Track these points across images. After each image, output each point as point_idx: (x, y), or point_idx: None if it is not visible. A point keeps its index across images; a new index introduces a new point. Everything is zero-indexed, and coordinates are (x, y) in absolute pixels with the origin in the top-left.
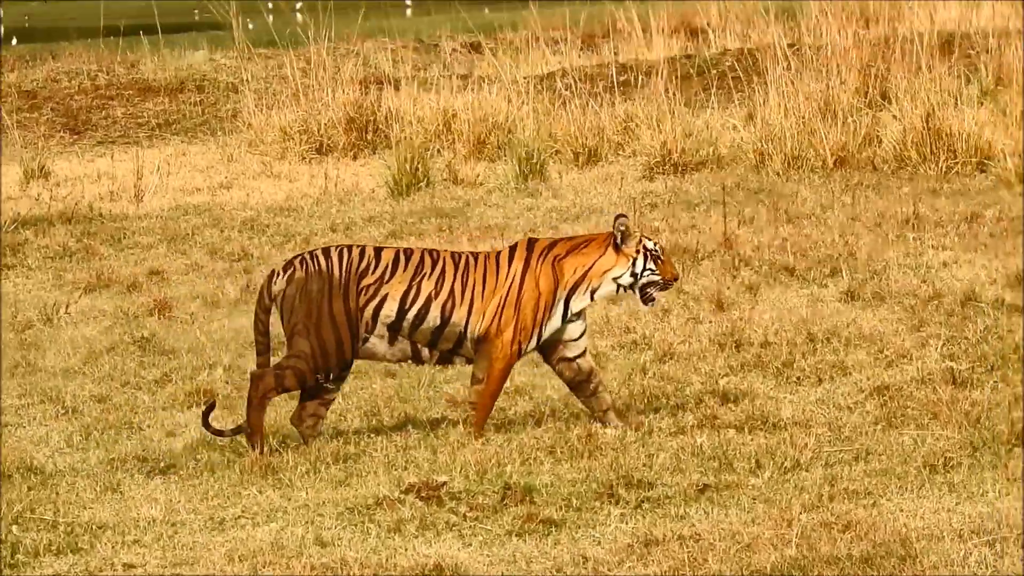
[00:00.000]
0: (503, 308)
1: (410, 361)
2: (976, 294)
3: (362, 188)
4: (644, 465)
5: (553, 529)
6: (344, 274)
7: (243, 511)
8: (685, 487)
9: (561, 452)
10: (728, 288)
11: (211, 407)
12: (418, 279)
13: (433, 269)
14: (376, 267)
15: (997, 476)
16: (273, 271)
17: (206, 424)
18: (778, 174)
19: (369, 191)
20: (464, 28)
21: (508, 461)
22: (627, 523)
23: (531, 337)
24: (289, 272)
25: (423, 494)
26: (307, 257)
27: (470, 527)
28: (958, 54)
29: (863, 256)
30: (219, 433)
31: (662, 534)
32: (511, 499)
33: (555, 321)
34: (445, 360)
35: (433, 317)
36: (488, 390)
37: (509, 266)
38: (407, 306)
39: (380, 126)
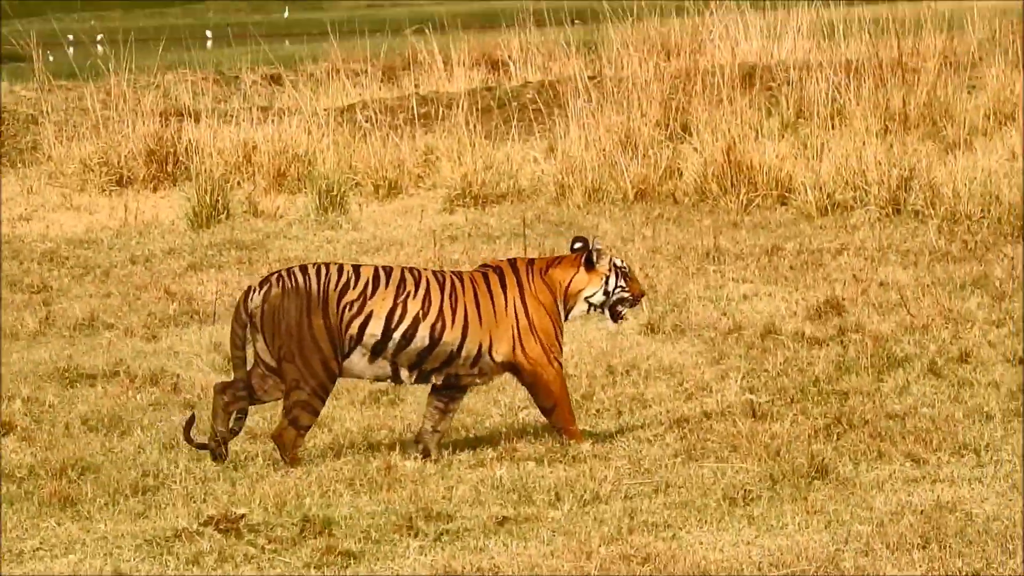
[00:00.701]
0: (521, 337)
1: (389, 380)
2: (776, 327)
3: (162, 220)
4: (444, 497)
5: (352, 561)
6: (322, 290)
7: (41, 543)
8: (484, 519)
9: (360, 484)
10: None
11: (191, 421)
12: (402, 298)
13: (417, 288)
14: (356, 283)
15: (797, 509)
16: (249, 287)
17: (188, 437)
18: (579, 207)
19: (169, 223)
20: (265, 60)
21: (307, 493)
22: (426, 555)
23: (560, 348)
24: (265, 289)
25: (222, 526)
26: (284, 274)
27: (268, 559)
28: (759, 87)
29: (663, 289)
30: (202, 447)
31: (461, 566)
32: (310, 531)
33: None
34: (424, 379)
35: (421, 337)
36: (562, 411)
37: (505, 292)
38: (393, 325)
39: (180, 158)
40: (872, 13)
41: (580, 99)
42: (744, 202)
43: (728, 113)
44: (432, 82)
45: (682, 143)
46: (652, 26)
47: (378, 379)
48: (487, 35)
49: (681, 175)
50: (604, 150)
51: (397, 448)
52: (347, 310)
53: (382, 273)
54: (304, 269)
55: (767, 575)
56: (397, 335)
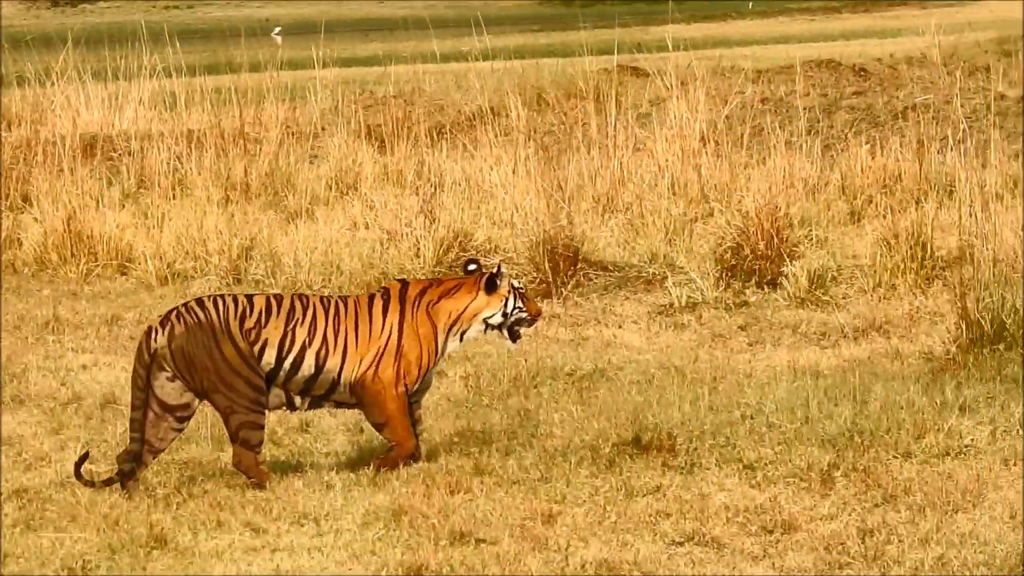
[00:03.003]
0: (382, 356)
1: (284, 408)
2: (116, 396)
3: None
4: None
5: None
6: (223, 319)
7: None
8: None
9: None
10: None
11: (84, 458)
12: (291, 325)
13: (304, 315)
14: (251, 312)
15: None
16: (151, 327)
17: (78, 475)
18: None
19: None
20: None
21: None
22: None
23: (416, 379)
24: (168, 329)
25: None
26: (182, 310)
27: None
28: (100, 157)
29: (3, 359)
30: (91, 484)
31: None
32: None
33: (438, 362)
34: (316, 405)
35: (308, 365)
36: (398, 431)
37: (384, 317)
38: (284, 353)
39: None
40: (215, 83)
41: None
42: (84, 272)
43: (69, 183)
44: None
45: (22, 213)
46: None
47: (274, 408)
48: None
49: (21, 245)
50: None
51: None
52: (247, 336)
53: (273, 301)
54: (201, 303)
55: None
56: (287, 363)
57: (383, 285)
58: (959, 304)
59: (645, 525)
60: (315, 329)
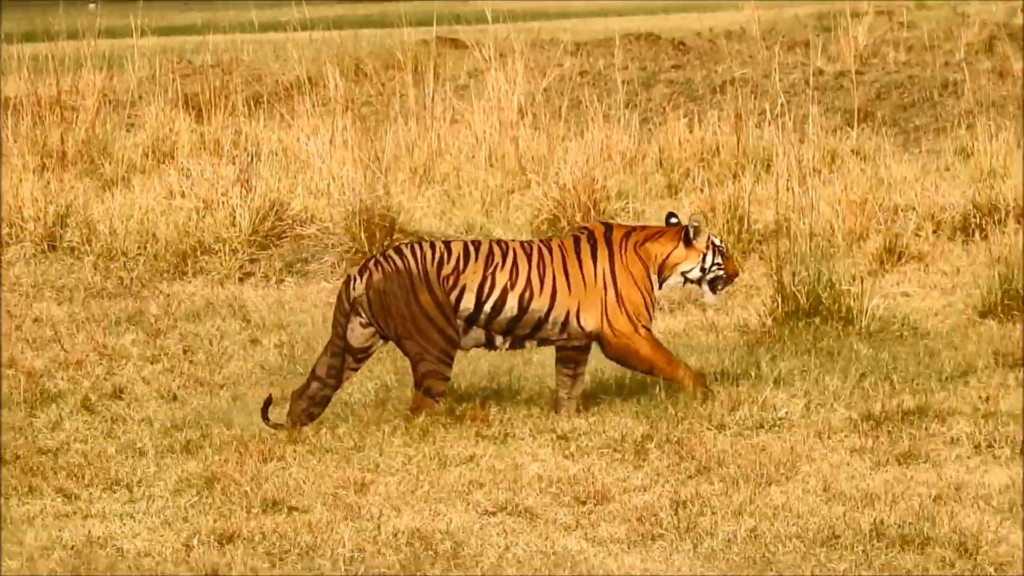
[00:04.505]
0: (608, 311)
1: (485, 347)
2: None
3: None
4: None
5: None
6: (421, 267)
7: None
8: None
9: None
10: None
11: (268, 402)
12: (491, 270)
13: (504, 259)
14: (449, 259)
15: None
16: (350, 276)
17: (265, 418)
18: None
19: None
20: None
21: None
22: None
23: (650, 315)
24: (366, 276)
25: None
26: (381, 259)
27: None
28: None
29: None
30: (279, 426)
31: None
32: None
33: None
34: (519, 345)
35: (510, 307)
36: (666, 370)
37: (595, 262)
38: (484, 297)
39: None
40: (32, 51)
41: None
42: None
43: None
44: None
45: None
46: None
47: (476, 346)
48: None
49: None
50: None
51: None
52: (444, 284)
53: (471, 247)
54: (399, 250)
55: None
56: (488, 307)
57: (584, 226)
58: (775, 277)
59: (458, 494)
60: (517, 272)
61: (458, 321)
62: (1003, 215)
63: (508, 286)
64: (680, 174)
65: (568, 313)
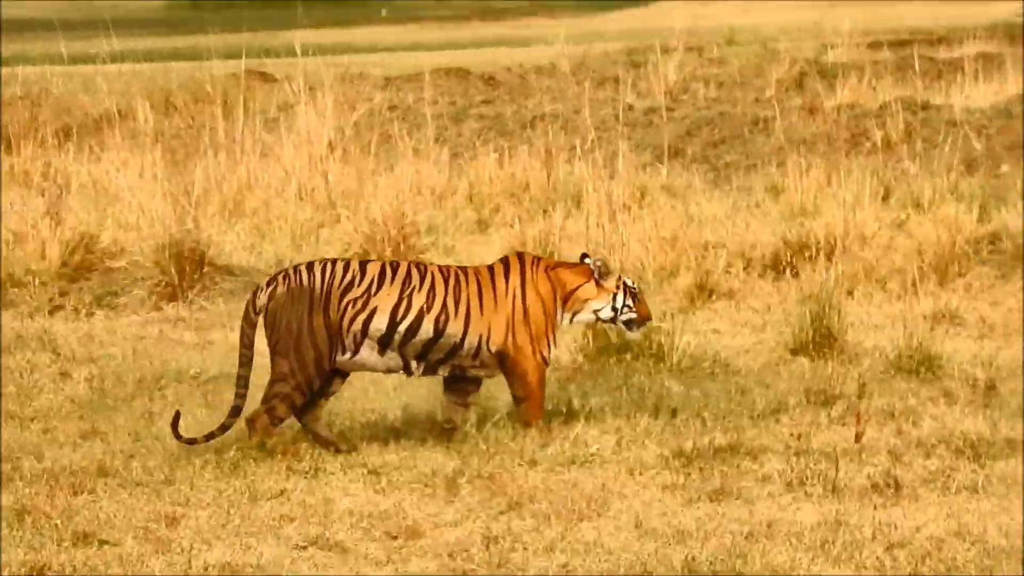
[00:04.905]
0: (514, 325)
1: (401, 372)
2: None
3: None
4: None
5: None
6: (325, 288)
7: None
8: None
9: None
10: None
11: (177, 417)
12: (408, 292)
13: (423, 282)
14: (362, 280)
15: None
16: (258, 286)
17: (177, 434)
18: None
19: None
20: None
21: None
22: None
23: (548, 344)
24: (271, 287)
25: None
26: (290, 272)
27: None
28: None
29: None
30: (192, 441)
31: None
32: None
33: (562, 325)
34: (431, 371)
35: (425, 330)
36: (534, 403)
37: (507, 281)
38: (398, 319)
39: None
40: None
41: None
42: None
43: None
44: None
45: None
46: None
47: (390, 371)
48: None
49: None
50: None
51: None
52: (350, 307)
53: (388, 268)
54: (310, 266)
55: None
56: (402, 328)
57: (506, 255)
58: None
59: (269, 529)
60: (434, 295)
61: (371, 343)
62: (814, 252)
63: (424, 308)
64: (490, 209)
65: (480, 338)
